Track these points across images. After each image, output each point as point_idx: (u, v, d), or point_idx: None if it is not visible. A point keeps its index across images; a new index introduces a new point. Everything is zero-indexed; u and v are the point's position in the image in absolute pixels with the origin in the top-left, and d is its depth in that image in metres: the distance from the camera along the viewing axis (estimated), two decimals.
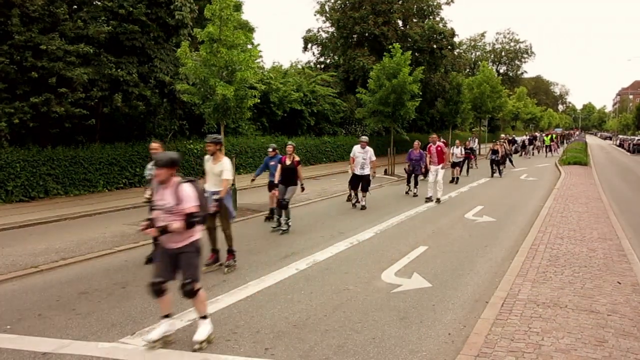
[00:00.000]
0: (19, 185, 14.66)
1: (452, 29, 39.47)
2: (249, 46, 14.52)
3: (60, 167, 15.67)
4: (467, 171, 24.81)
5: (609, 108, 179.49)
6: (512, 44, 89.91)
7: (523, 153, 41.83)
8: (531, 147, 43.04)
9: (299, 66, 37.44)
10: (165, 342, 5.48)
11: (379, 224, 12.25)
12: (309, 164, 28.35)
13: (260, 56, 30.12)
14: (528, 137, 45.50)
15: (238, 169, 21.77)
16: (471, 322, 6.13)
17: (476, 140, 29.74)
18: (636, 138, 59.80)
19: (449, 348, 5.49)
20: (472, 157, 25.96)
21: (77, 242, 10.16)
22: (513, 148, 37.53)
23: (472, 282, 7.83)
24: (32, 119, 14.77)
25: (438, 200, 15.64)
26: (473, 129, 54.42)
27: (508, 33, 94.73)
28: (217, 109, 13.60)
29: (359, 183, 14.60)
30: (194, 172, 20.81)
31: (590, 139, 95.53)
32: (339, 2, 39.28)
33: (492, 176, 23.97)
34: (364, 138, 14.79)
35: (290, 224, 11.31)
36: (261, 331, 5.86)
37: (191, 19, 18.20)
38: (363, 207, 14.45)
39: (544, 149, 43.70)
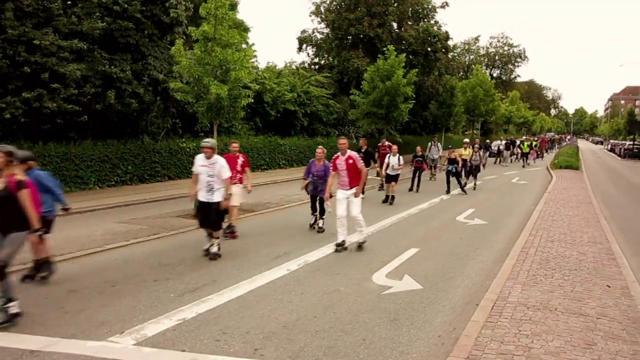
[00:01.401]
0: None
1: (446, 32, 39.61)
2: (244, 46, 14.52)
3: (52, 163, 15.56)
4: (418, 186, 19.11)
5: (600, 113, 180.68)
6: (505, 48, 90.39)
7: (499, 160, 36.44)
8: (508, 152, 37.32)
9: (293, 67, 37.41)
10: (154, 341, 5.45)
11: (370, 225, 12.21)
12: (302, 164, 28.30)
13: (255, 56, 30.01)
14: (504, 141, 39.06)
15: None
16: (461, 324, 6.13)
17: (439, 145, 24.20)
18: (627, 143, 60.25)
19: (439, 350, 5.49)
20: (425, 167, 20.54)
21: (67, 239, 10.08)
22: (486, 155, 32.35)
23: (463, 284, 7.84)
24: (24, 115, 14.65)
25: (360, 247, 9.90)
26: (466, 132, 54.52)
27: (502, 37, 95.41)
28: (210, 107, 13.59)
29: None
30: (186, 170, 20.76)
31: (582, 144, 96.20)
32: (334, 3, 39.29)
33: (447, 193, 18.53)
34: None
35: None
36: (251, 331, 5.84)
37: (186, 17, 18.16)
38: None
39: (522, 158, 35.89)
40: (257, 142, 25.41)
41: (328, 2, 39.86)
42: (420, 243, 10.50)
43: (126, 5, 16.45)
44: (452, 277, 8.20)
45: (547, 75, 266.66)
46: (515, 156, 38.36)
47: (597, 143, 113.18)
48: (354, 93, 25.36)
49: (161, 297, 6.89)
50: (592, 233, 11.58)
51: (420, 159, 19.40)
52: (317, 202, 11.59)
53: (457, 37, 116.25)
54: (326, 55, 41.67)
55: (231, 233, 10.53)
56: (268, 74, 28.91)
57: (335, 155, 9.96)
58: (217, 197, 8.80)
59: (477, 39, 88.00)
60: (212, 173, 8.72)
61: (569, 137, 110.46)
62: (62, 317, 6.16)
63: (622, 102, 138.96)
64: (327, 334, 5.81)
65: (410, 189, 18.91)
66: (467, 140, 22.85)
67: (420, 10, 40.02)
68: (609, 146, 75.91)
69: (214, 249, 8.97)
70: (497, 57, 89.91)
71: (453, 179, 18.94)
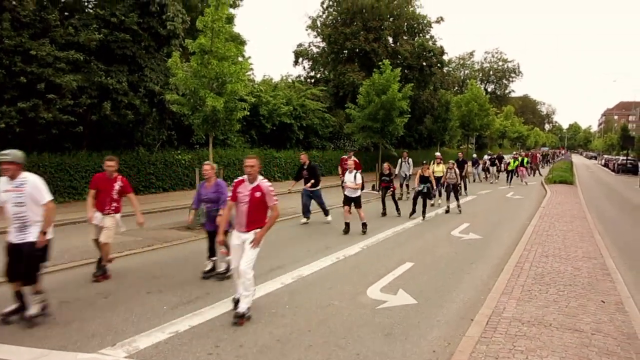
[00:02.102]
0: None
1: (441, 47, 39.89)
2: (240, 59, 14.53)
3: (46, 173, 15.50)
4: (397, 209, 16.27)
5: (594, 128, 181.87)
6: (500, 63, 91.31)
7: (486, 176, 33.48)
8: (494, 168, 33.71)
9: (289, 80, 37.55)
10: (147, 354, 5.40)
11: (365, 239, 12.23)
12: None
13: (251, 69, 30.24)
14: (490, 157, 35.09)
15: (226, 180, 21.63)
16: (456, 339, 6.11)
17: (409, 161, 21.30)
18: (621, 158, 60.55)
19: None
20: (394, 187, 16.85)
21: (59, 250, 10.01)
22: (476, 170, 32.36)
23: (458, 299, 7.82)
24: (19, 124, 14.63)
25: (240, 318, 6.53)
26: (461, 146, 54.72)
27: (496, 52, 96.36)
28: (206, 120, 13.58)
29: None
30: (181, 182, 20.73)
31: (576, 158, 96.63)
32: (330, 17, 39.57)
33: (410, 215, 15.86)
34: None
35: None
36: (244, 345, 5.80)
37: (183, 30, 18.23)
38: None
39: (507, 174, 31.81)
40: (252, 154, 25.32)
41: (324, 16, 40.15)
42: (415, 257, 10.48)
43: (123, 18, 16.53)
44: (446, 291, 8.18)
45: (542, 91, 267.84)
46: (500, 172, 34.96)
47: (591, 158, 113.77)
48: (350, 107, 25.43)
49: (154, 309, 6.84)
50: (586, 248, 11.59)
51: (388, 177, 16.49)
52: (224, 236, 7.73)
53: (452, 52, 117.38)
54: (322, 69, 41.88)
55: (103, 274, 8.25)
56: (264, 87, 29.00)
57: (239, 178, 6.90)
58: (32, 235, 6.23)
59: (471, 54, 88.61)
60: (20, 200, 6.19)
61: (563, 151, 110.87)
62: (53, 329, 6.11)
63: (616, 117, 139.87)
64: (321, 349, 5.78)
65: (384, 214, 16.33)
66: (438, 154, 20.41)
67: (415, 25, 40.34)
68: (603, 161, 76.26)
69: (32, 311, 6.29)
70: (491, 72, 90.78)
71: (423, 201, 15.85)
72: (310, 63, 42.94)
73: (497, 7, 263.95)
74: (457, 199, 18.12)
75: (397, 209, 16.23)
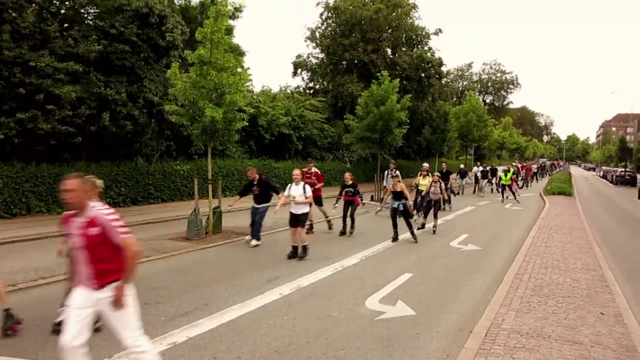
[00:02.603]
0: (0, 201, 14.47)
1: (440, 58, 40.07)
2: (239, 69, 14.57)
3: (44, 184, 15.51)
4: (352, 226, 14.41)
5: (592, 139, 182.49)
6: (498, 74, 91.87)
7: (476, 189, 31.60)
8: (485, 182, 31.61)
9: (288, 91, 37.70)
10: None
11: (364, 249, 12.21)
12: None
13: (250, 80, 30.28)
14: (482, 168, 32.67)
15: (224, 191, 21.67)
16: (454, 351, 6.08)
17: (396, 173, 19.28)
18: (619, 170, 60.59)
19: None
20: (359, 201, 14.39)
21: (57, 261, 9.95)
22: (462, 183, 30.57)
23: (456, 310, 7.79)
24: (18, 135, 14.65)
25: None
26: (460, 157, 54.78)
27: (494, 64, 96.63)
28: (205, 130, 13.59)
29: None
30: (180, 193, 20.71)
31: (574, 170, 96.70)
32: (329, 29, 39.76)
33: (394, 240, 13.41)
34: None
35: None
36: (242, 356, 5.77)
37: (182, 41, 18.30)
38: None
39: (498, 188, 29.02)
40: (251, 165, 25.38)
41: (323, 27, 40.34)
42: (414, 268, 10.46)
43: (123, 29, 16.60)
44: (445, 303, 8.15)
45: (540, 102, 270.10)
46: (496, 185, 31.91)
47: (589, 169, 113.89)
48: (348, 117, 25.48)
49: (152, 320, 6.81)
50: (585, 260, 11.58)
51: (352, 189, 14.27)
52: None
53: (451, 63, 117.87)
54: (321, 80, 42.04)
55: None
56: (263, 98, 29.09)
57: (67, 213, 4.68)
58: None
59: (470, 65, 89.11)
60: None
61: (561, 162, 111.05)
62: (50, 341, 6.06)
63: (614, 129, 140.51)
64: None
65: (343, 232, 14.26)
66: (426, 165, 19.26)
67: (414, 37, 40.55)
68: (601, 173, 76.31)
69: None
70: (489, 84, 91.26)
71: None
72: (309, 74, 43.12)
73: (495, 19, 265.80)
74: (436, 217, 15.51)
75: (352, 227, 14.32)
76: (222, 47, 13.31)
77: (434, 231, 15.12)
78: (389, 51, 39.50)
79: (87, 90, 16.00)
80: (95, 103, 16.37)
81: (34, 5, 15.16)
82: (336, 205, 14.37)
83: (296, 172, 11.87)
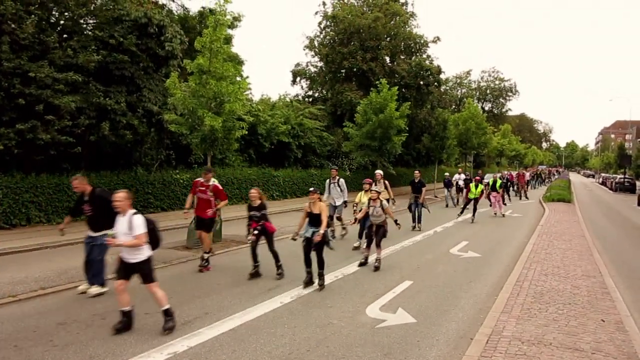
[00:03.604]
0: (0, 212, 14.46)
1: (438, 66, 40.18)
2: (238, 78, 14.63)
3: (44, 194, 15.50)
4: (254, 265, 10.08)
5: (591, 146, 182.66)
6: (497, 82, 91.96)
7: (457, 199, 27.92)
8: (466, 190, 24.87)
9: (288, 99, 37.75)
10: None
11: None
12: (295, 196, 28.31)
13: (249, 88, 30.39)
14: (465, 176, 29.23)
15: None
16: (455, 359, 6.07)
17: (342, 184, 15.02)
18: (618, 176, 60.67)
19: None
20: (272, 227, 10.16)
21: (57, 271, 9.98)
22: (449, 193, 27.29)
23: (457, 318, 7.78)
24: (17, 146, 14.65)
25: None
26: (459, 164, 54.77)
27: (493, 71, 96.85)
28: (204, 139, 13.63)
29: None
30: (180, 202, 20.70)
31: (574, 177, 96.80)
32: (327, 37, 39.90)
33: (306, 285, 9.37)
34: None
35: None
36: None
37: (181, 50, 18.36)
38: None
39: (465, 203, 22.41)
40: (250, 174, 25.41)
41: (322, 36, 40.49)
42: (414, 276, 10.45)
43: (122, 39, 16.65)
44: (446, 310, 8.14)
45: (538, 109, 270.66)
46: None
47: (588, 176, 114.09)
48: (348, 125, 25.58)
49: (152, 330, 6.79)
50: (585, 266, 11.57)
51: (258, 213, 9.88)
52: None
53: (449, 71, 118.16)
54: (320, 88, 42.12)
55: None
56: (262, 106, 29.13)
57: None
58: None
59: (468, 72, 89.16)
60: None
61: (560, 169, 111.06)
62: (51, 351, 6.06)
63: (613, 136, 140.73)
64: None
65: (254, 274, 9.97)
66: (379, 172, 15.72)
67: (412, 45, 40.69)
68: (600, 179, 76.48)
69: None
70: (488, 91, 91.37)
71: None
72: (308, 82, 43.20)
73: (493, 27, 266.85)
74: (379, 247, 11.19)
75: (279, 271, 10.05)
76: (221, 56, 13.37)
77: (376, 267, 10.85)
78: (388, 59, 39.63)
79: (86, 100, 16.02)
80: (94, 113, 16.39)
81: (33, 16, 15.19)
82: (250, 237, 9.88)
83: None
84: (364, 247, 11.71)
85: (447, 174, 29.11)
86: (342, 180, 15.04)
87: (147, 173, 19.69)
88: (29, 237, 13.54)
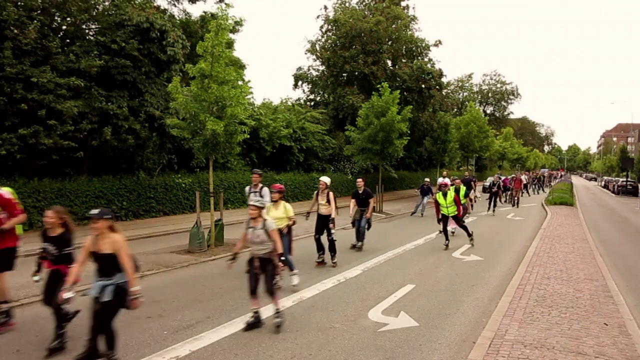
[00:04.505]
0: None
1: (440, 69, 40.15)
2: (240, 82, 14.66)
3: (46, 199, 15.52)
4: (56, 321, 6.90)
5: (593, 150, 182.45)
6: (498, 85, 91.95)
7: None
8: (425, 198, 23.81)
9: (289, 103, 37.77)
10: None
11: (366, 261, 12.19)
12: (297, 199, 28.32)
13: (251, 92, 30.39)
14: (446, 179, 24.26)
15: (226, 204, 21.70)
16: None
17: (264, 191, 11.59)
18: (621, 180, 60.56)
19: None
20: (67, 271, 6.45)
21: None
22: (422, 201, 23.57)
23: (459, 321, 7.77)
24: (20, 151, 14.69)
25: None
26: (461, 168, 54.72)
27: (495, 75, 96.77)
28: (206, 143, 13.64)
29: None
30: (182, 206, 20.72)
31: (576, 180, 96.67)
32: (329, 41, 39.93)
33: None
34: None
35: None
36: None
37: (183, 55, 18.39)
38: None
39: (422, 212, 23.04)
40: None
41: (323, 40, 40.53)
42: (416, 279, 10.44)
43: (124, 44, 16.69)
44: (448, 314, 8.13)
45: (540, 112, 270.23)
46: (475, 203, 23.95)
47: (590, 179, 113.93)
48: (349, 129, 25.56)
49: (154, 334, 6.80)
50: (588, 270, 11.55)
51: (53, 249, 6.66)
52: None
53: (451, 74, 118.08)
54: (321, 92, 42.14)
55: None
56: (264, 110, 29.14)
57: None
58: None
59: (470, 76, 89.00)
60: None
61: (562, 172, 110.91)
62: (54, 355, 6.06)
63: (615, 139, 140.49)
64: None
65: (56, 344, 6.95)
66: (323, 179, 12.25)
67: (414, 49, 40.68)
68: (603, 183, 76.36)
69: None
70: (490, 94, 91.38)
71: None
72: (310, 86, 43.22)
73: (495, 30, 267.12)
74: (272, 294, 7.35)
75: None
76: (222, 60, 13.40)
77: (277, 326, 7.20)
78: (389, 63, 39.63)
79: (88, 105, 16.07)
80: (96, 118, 16.43)
81: (35, 21, 15.25)
82: (36, 278, 6.86)
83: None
84: (250, 296, 7.33)
85: (427, 179, 24.94)
86: (265, 190, 11.45)
87: (149, 177, 19.72)
88: (30, 241, 13.53)
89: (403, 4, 41.79)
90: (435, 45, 41.90)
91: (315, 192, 12.27)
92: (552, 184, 61.96)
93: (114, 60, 16.69)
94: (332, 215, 11.68)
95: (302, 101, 41.89)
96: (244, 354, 6.19)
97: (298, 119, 31.40)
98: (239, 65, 24.40)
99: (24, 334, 6.76)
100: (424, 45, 40.92)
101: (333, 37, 39.34)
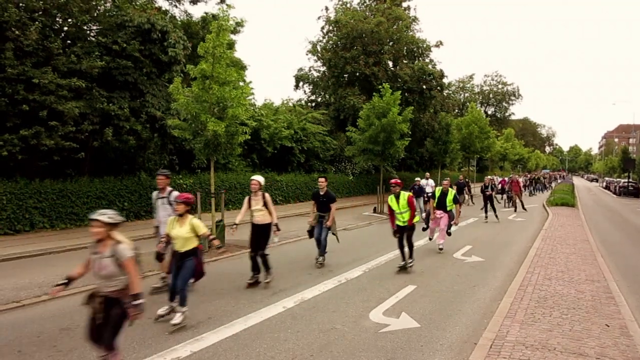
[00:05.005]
0: (4, 218, 14.51)
1: (441, 70, 40.23)
2: (241, 83, 14.66)
3: (47, 200, 15.55)
4: None
5: (595, 150, 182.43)
6: (499, 86, 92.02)
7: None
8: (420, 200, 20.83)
9: (290, 104, 37.80)
10: None
11: (367, 262, 12.18)
12: (299, 200, 28.33)
13: (252, 93, 30.39)
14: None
15: (227, 204, 21.69)
16: None
17: (171, 195, 9.07)
18: (622, 181, 60.50)
19: None
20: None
21: (60, 276, 9.89)
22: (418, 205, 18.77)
23: (461, 322, 7.76)
24: (21, 152, 14.71)
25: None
26: (462, 169, 54.69)
27: (496, 76, 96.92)
28: (207, 144, 13.64)
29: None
30: None
31: (577, 181, 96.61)
32: (330, 42, 39.99)
33: None
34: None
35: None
36: None
37: (184, 56, 18.41)
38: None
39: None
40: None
41: (324, 41, 40.59)
42: (417, 280, 10.43)
43: (125, 45, 16.71)
44: (449, 315, 8.12)
45: (542, 113, 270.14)
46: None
47: (592, 180, 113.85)
48: (350, 130, 25.57)
49: (155, 335, 6.80)
50: (589, 271, 11.53)
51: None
52: None
53: (452, 75, 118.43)
54: (323, 93, 42.19)
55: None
56: (265, 111, 29.17)
57: None
58: None
59: (471, 77, 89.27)
60: None
61: (563, 173, 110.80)
62: (54, 356, 6.07)
63: (616, 140, 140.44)
64: None
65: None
66: (256, 178, 9.81)
67: (415, 49, 40.74)
68: (604, 184, 76.33)
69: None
70: (491, 95, 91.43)
71: None
72: (311, 87, 43.28)
73: (496, 31, 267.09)
74: (111, 349, 5.24)
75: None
76: (224, 61, 13.40)
77: None
78: (390, 64, 39.69)
79: (90, 106, 16.09)
80: (98, 118, 16.45)
81: (37, 23, 15.26)
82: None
83: None
84: (92, 346, 5.39)
85: (417, 179, 22.89)
86: (175, 193, 9.07)
87: (150, 178, 19.72)
88: (32, 242, 13.57)
89: (404, 4, 41.90)
90: (436, 46, 42.01)
91: (247, 197, 9.72)
92: (553, 185, 61.52)
93: (115, 61, 16.72)
94: (274, 221, 9.57)
95: (303, 102, 41.95)
96: (245, 355, 6.18)
97: (299, 119, 31.42)
98: (240, 66, 24.40)
99: (25, 335, 6.75)
100: (425, 46, 41.00)
101: (334, 38, 39.41)
